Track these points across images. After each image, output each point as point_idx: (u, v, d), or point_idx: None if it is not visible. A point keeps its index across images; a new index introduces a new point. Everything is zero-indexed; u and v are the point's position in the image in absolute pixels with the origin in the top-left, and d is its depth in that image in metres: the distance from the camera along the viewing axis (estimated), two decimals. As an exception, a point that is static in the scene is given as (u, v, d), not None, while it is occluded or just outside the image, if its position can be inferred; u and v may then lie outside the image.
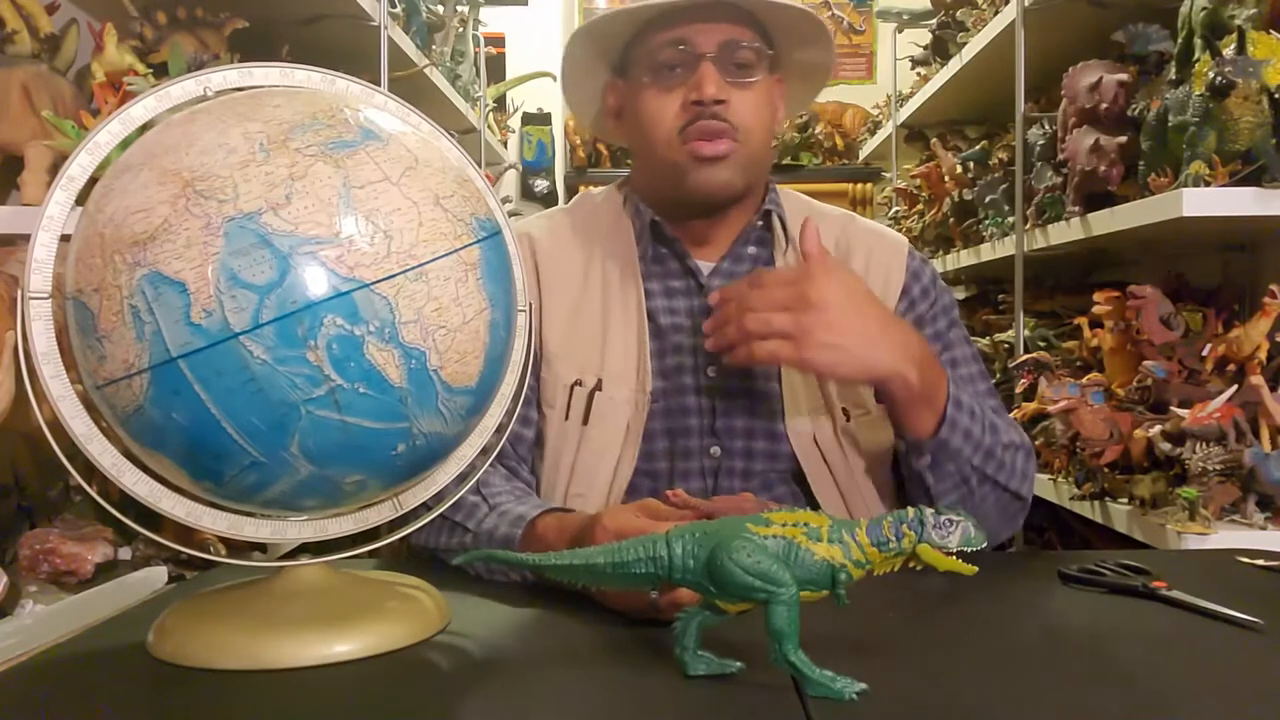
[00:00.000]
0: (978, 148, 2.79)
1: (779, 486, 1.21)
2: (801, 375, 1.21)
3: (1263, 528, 1.44)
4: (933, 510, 0.69)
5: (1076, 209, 1.91)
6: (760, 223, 1.26)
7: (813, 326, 1.02)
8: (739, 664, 0.71)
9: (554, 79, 4.42)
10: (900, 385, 1.07)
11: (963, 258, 2.76)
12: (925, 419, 1.10)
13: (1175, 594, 0.88)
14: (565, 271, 1.25)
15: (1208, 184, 1.49)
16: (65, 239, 0.74)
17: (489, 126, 3.46)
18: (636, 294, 1.23)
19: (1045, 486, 2.00)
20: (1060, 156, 2.00)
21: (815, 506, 1.19)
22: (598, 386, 1.19)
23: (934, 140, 3.14)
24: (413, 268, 0.70)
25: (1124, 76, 1.79)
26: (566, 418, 1.19)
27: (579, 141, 4.37)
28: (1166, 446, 1.53)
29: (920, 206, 3.25)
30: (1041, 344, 2.23)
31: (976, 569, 0.70)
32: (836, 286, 1.05)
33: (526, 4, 4.43)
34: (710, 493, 1.19)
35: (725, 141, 1.17)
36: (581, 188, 4.32)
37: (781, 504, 1.20)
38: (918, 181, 3.21)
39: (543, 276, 1.24)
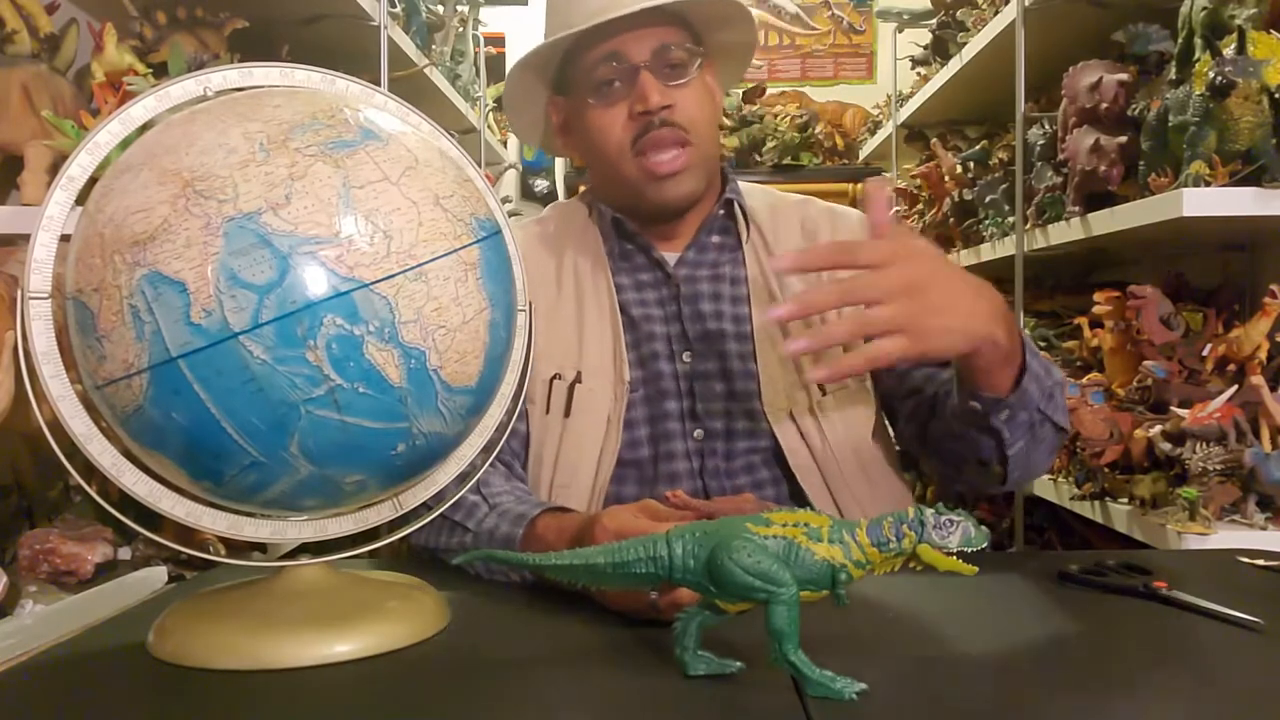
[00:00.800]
0: (978, 148, 2.79)
1: (762, 469, 1.23)
2: (777, 355, 1.23)
3: (1263, 528, 1.44)
4: (933, 510, 0.69)
5: (1076, 209, 1.91)
6: (722, 211, 1.29)
7: (922, 312, 0.91)
8: (739, 664, 0.71)
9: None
10: (990, 348, 0.99)
11: (963, 258, 2.76)
12: (1006, 375, 1.04)
13: (1175, 594, 0.88)
14: (538, 276, 1.27)
15: (1208, 184, 1.49)
16: (65, 239, 0.74)
17: (489, 126, 3.46)
18: (608, 290, 1.26)
19: (1045, 486, 2.00)
20: (1060, 156, 2.00)
21: (795, 485, 1.21)
22: (577, 379, 1.21)
23: (934, 140, 3.14)
24: (412, 267, 0.69)
25: (1124, 76, 1.79)
26: (548, 411, 1.21)
27: (579, 141, 4.36)
28: (1166, 446, 1.53)
29: (920, 206, 3.25)
30: (1041, 344, 2.23)
31: (976, 569, 0.70)
32: (928, 261, 0.94)
33: (526, 4, 4.42)
34: (696, 476, 1.21)
35: (679, 151, 1.20)
36: (581, 187, 4.34)
37: (764, 488, 1.23)
38: (918, 181, 3.21)
39: None
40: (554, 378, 1.21)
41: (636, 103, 1.19)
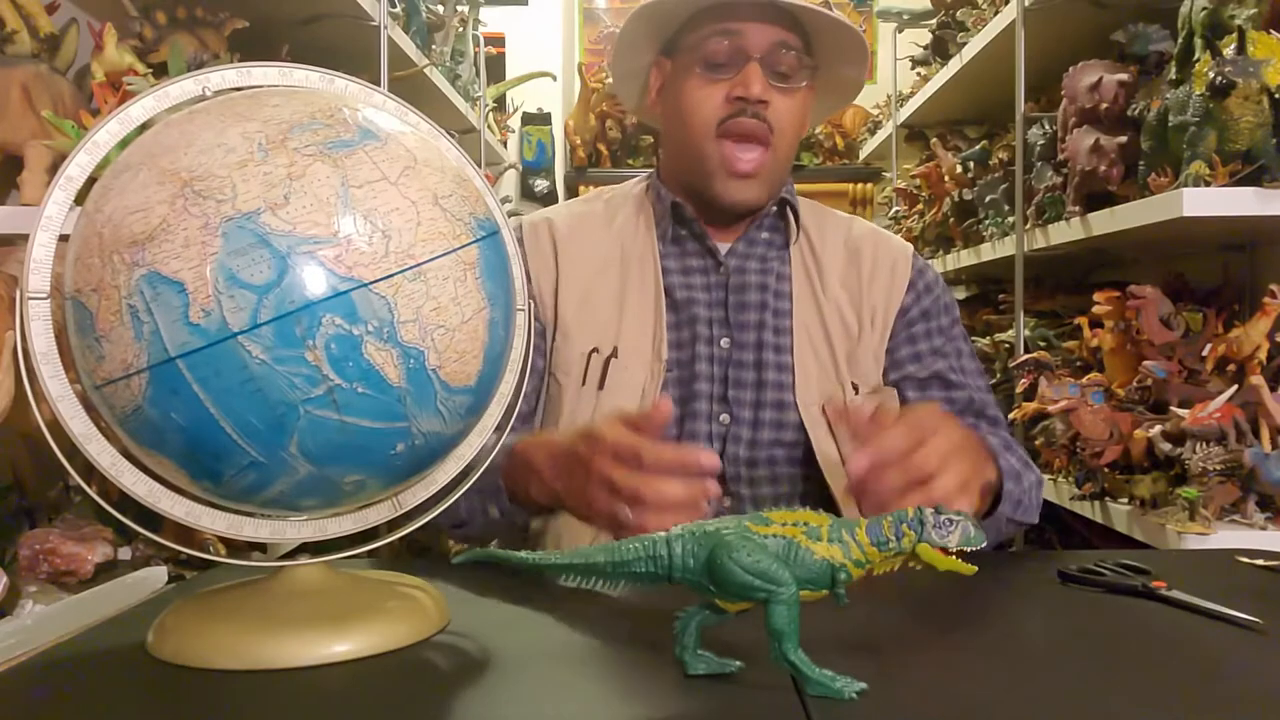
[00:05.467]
0: (978, 148, 2.79)
1: (784, 465, 1.26)
2: (814, 352, 1.26)
3: (1263, 528, 1.44)
4: (933, 510, 0.69)
5: (1076, 209, 1.91)
6: (774, 209, 1.33)
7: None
8: (739, 664, 0.71)
9: (554, 79, 4.41)
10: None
11: (963, 258, 2.76)
12: (985, 502, 1.12)
13: (1175, 594, 0.88)
14: (583, 251, 1.31)
15: (1208, 184, 1.49)
16: (64, 239, 0.74)
17: (489, 126, 3.46)
18: (654, 272, 1.29)
19: (1045, 486, 1.99)
20: (1060, 156, 2.00)
21: (815, 484, 1.24)
22: (614, 354, 1.25)
23: (934, 140, 3.15)
24: (411, 267, 0.69)
25: (1124, 76, 1.79)
26: (583, 384, 1.24)
27: (579, 141, 4.37)
28: (1166, 446, 1.53)
29: (920, 206, 3.25)
30: (1041, 344, 2.23)
31: (976, 569, 0.70)
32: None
33: (526, 4, 4.43)
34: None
35: (759, 150, 1.23)
36: (581, 188, 4.35)
37: (780, 484, 1.25)
38: (918, 181, 3.21)
39: (560, 256, 1.31)
40: (591, 352, 1.25)
41: (737, 87, 1.22)
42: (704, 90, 1.24)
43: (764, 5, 1.22)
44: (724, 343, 1.27)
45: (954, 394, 1.30)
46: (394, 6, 2.31)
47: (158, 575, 1.24)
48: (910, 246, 1.40)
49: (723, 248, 1.32)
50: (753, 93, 1.20)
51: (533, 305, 0.93)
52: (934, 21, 3.01)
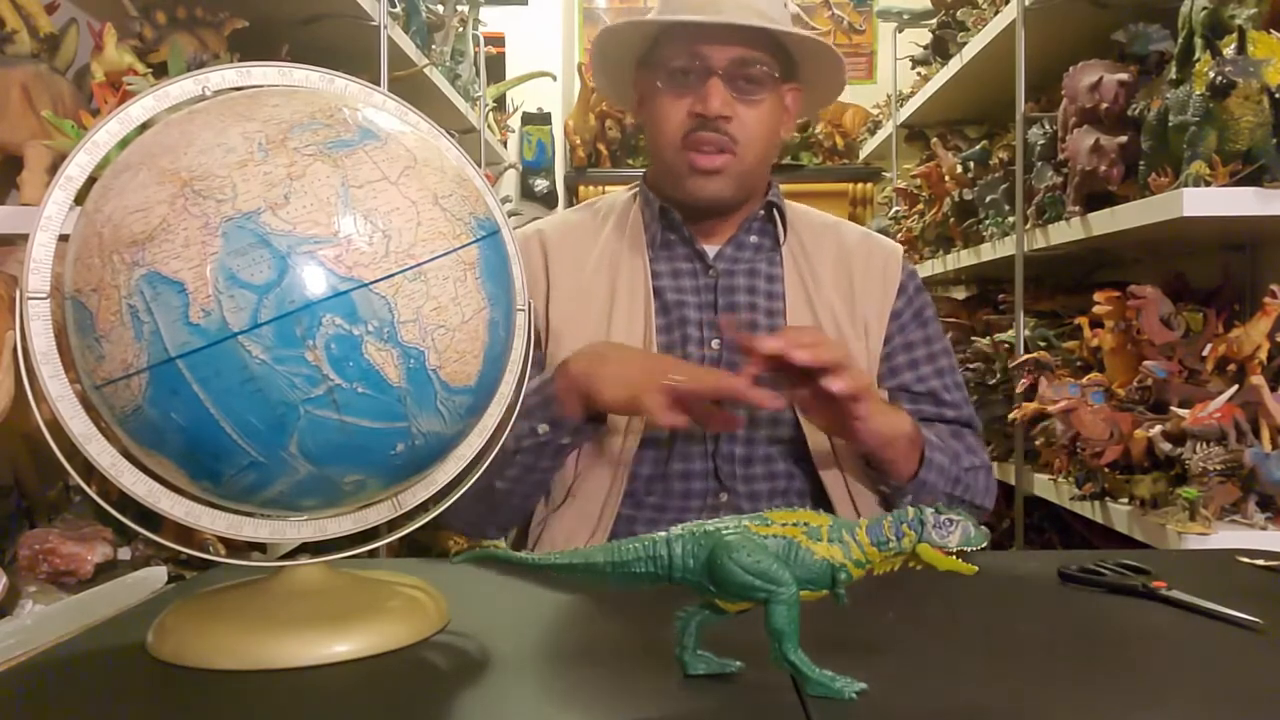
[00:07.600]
0: (978, 147, 2.79)
1: (780, 462, 1.27)
2: None
3: (1263, 528, 1.44)
4: (933, 510, 0.69)
5: (1076, 209, 1.91)
6: (762, 212, 1.34)
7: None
8: (739, 664, 0.71)
9: (554, 79, 4.40)
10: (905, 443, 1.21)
11: (963, 258, 2.76)
12: (909, 466, 1.21)
13: (1175, 594, 0.88)
14: (573, 257, 1.32)
15: (1208, 184, 1.49)
16: (64, 239, 0.74)
17: (489, 126, 3.45)
18: (644, 273, 1.30)
19: (1045, 486, 2.00)
20: (1060, 156, 2.00)
21: (812, 481, 1.27)
22: None
23: (934, 140, 3.14)
24: (411, 267, 0.69)
25: (1124, 76, 1.79)
26: None
27: (579, 141, 4.37)
28: (1167, 446, 1.53)
29: (920, 206, 3.25)
30: (1041, 344, 2.23)
31: (976, 569, 0.70)
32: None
33: (526, 4, 4.42)
34: (709, 458, 1.26)
35: (722, 156, 1.25)
36: (581, 188, 4.34)
37: (777, 479, 1.27)
38: (918, 181, 3.21)
39: (551, 262, 1.33)
40: None
41: (698, 103, 1.24)
42: (670, 105, 1.26)
43: (721, 25, 1.24)
44: (714, 344, 1.28)
45: (945, 411, 1.34)
46: (394, 6, 2.31)
47: (158, 575, 1.24)
48: (900, 248, 1.42)
49: (711, 251, 1.33)
50: (711, 109, 1.23)
51: (532, 306, 0.93)
52: (934, 21, 3.01)
